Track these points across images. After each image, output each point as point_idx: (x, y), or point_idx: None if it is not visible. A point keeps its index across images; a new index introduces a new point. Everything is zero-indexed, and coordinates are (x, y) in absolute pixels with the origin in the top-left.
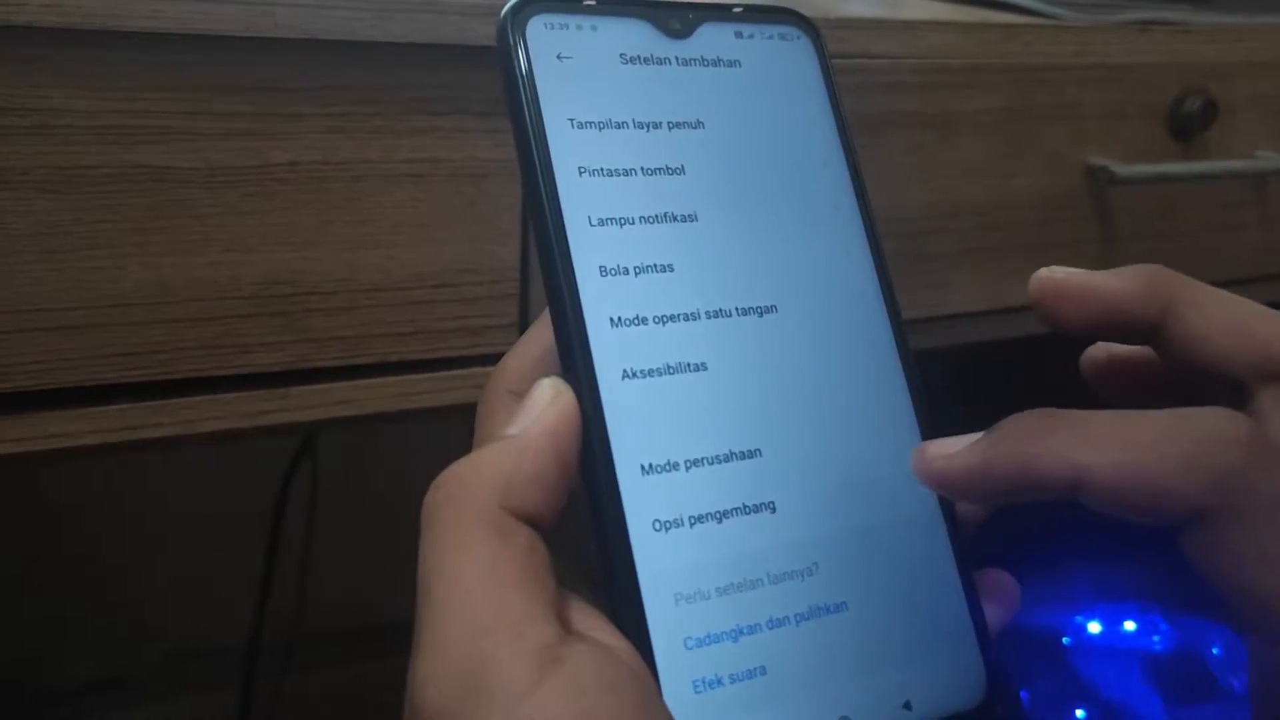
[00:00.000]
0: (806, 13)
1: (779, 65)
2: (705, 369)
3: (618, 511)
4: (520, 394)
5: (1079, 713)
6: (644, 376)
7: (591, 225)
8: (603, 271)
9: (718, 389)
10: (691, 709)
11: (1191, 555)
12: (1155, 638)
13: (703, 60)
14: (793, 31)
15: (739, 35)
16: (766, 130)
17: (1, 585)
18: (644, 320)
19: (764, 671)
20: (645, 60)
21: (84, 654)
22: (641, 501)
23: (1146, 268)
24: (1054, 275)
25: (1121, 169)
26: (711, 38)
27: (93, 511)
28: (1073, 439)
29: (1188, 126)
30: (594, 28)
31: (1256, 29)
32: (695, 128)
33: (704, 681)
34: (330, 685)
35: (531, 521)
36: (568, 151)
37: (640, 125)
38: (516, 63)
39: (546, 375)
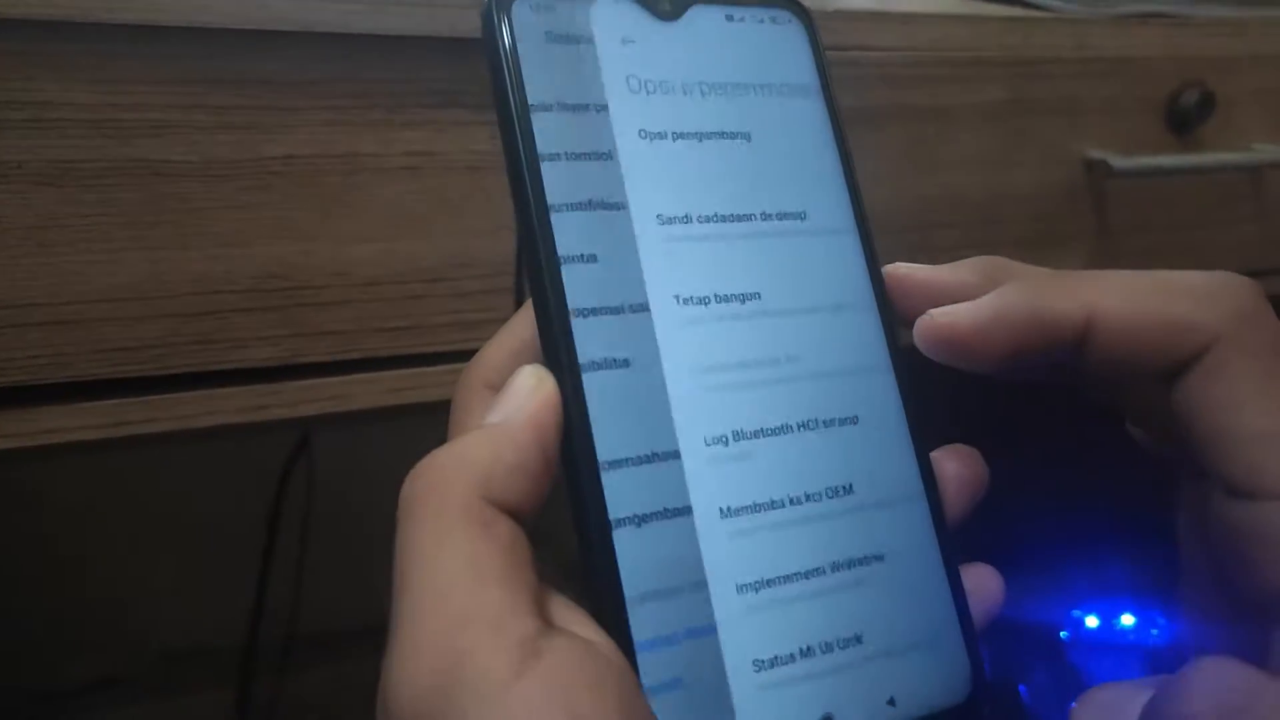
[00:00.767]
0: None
1: (770, 48)
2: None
3: (599, 503)
4: (496, 388)
5: None
6: (626, 366)
7: (574, 209)
8: (585, 258)
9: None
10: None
11: (1183, 400)
12: (1153, 631)
13: (692, 43)
14: (784, 15)
15: (730, 18)
16: (756, 114)
17: None
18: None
19: (747, 668)
20: (633, 43)
21: (80, 654)
22: (623, 493)
23: (981, 258)
24: (897, 269)
25: (1119, 162)
26: (702, 20)
27: (89, 512)
28: (1082, 283)
29: (1185, 119)
30: (582, 9)
31: (1254, 22)
32: (683, 111)
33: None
34: (327, 685)
35: (513, 513)
36: (551, 134)
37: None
38: (501, 43)
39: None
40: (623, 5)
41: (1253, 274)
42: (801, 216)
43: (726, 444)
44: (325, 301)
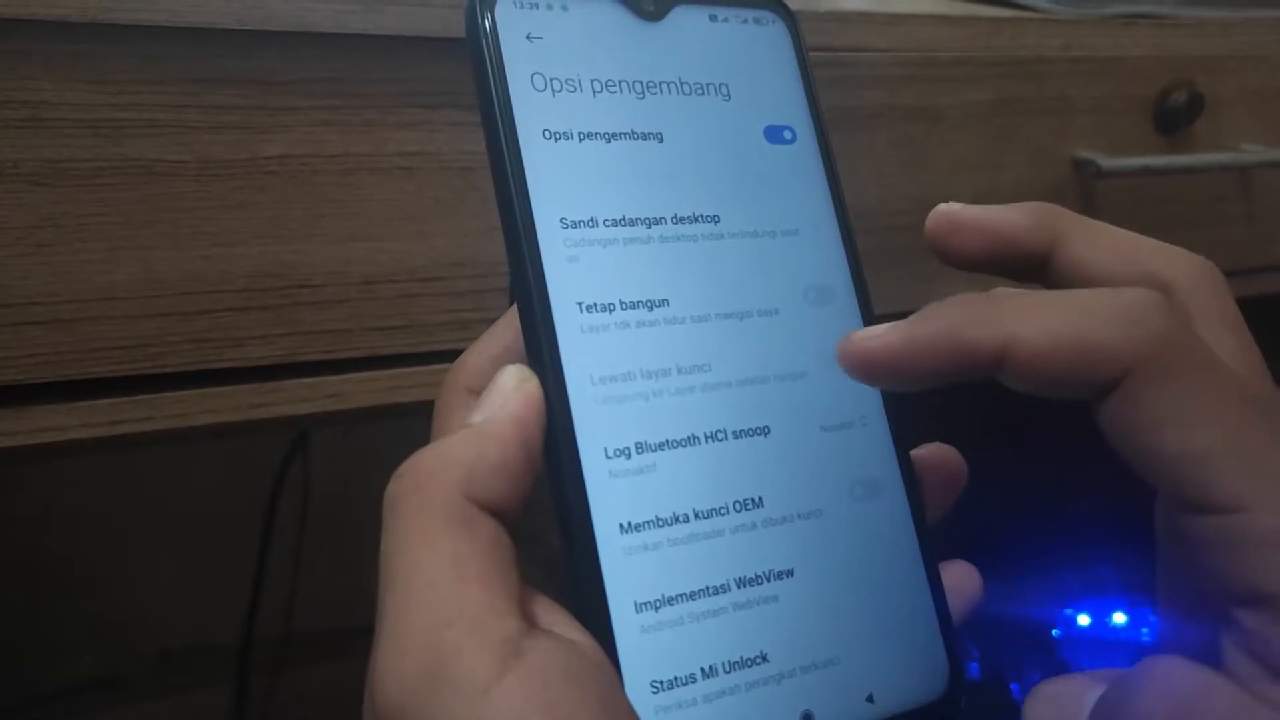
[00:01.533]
0: (794, 6)
1: (753, 49)
2: (676, 356)
3: (583, 504)
4: (477, 392)
5: None
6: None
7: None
8: (570, 260)
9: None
10: (654, 704)
11: (1110, 424)
12: (1144, 630)
13: (676, 43)
14: (768, 15)
15: (713, 19)
16: (739, 115)
17: None
18: (611, 307)
19: (727, 667)
20: (617, 43)
21: (78, 653)
22: (607, 495)
23: (1036, 203)
24: (950, 208)
25: (1107, 162)
26: (685, 20)
27: (86, 511)
28: (1000, 309)
29: (1174, 120)
30: (564, 8)
31: (1242, 22)
32: (666, 113)
33: (668, 677)
34: (324, 683)
35: (496, 512)
36: (537, 145)
37: (610, 109)
38: (484, 43)
39: None
40: (606, 5)
41: (1241, 274)
42: (776, 218)
43: (629, 456)
44: (321, 300)
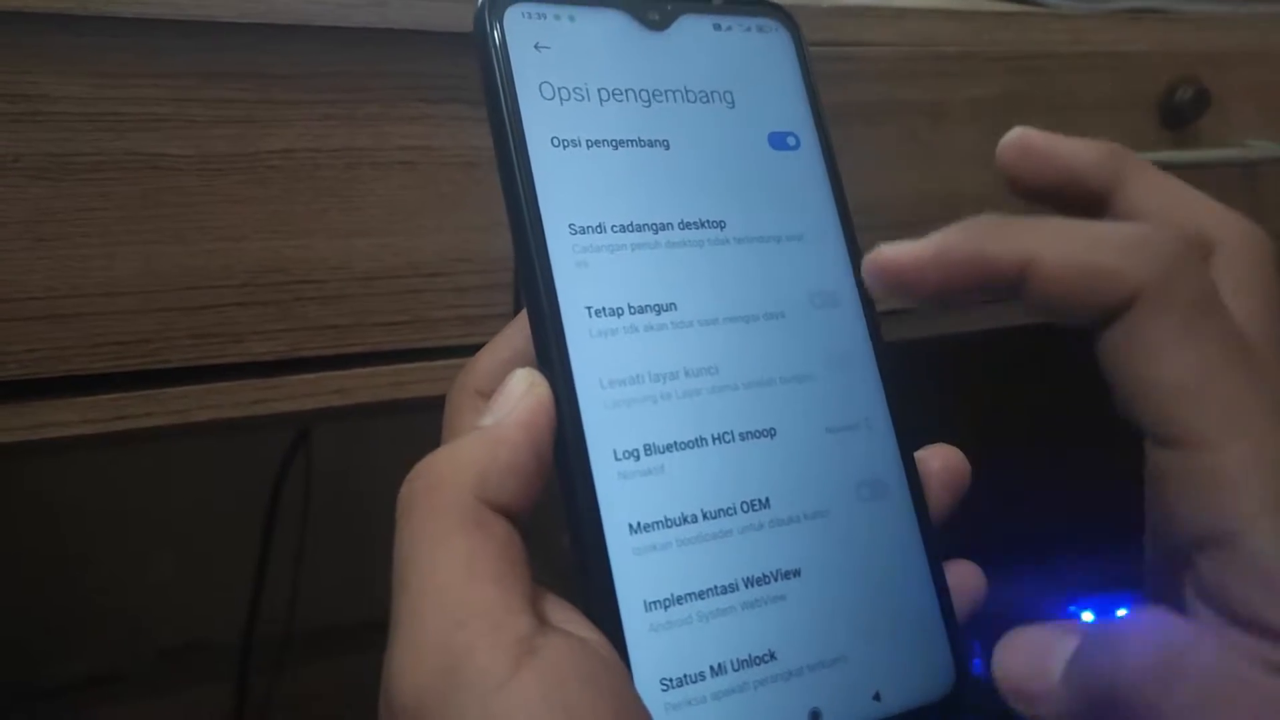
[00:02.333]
0: (799, 0)
1: (757, 57)
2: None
3: (592, 505)
4: (487, 395)
5: None
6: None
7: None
8: (579, 265)
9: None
10: (664, 702)
11: (1105, 351)
12: None
13: (681, 52)
14: (771, 24)
15: (717, 27)
16: (744, 122)
17: None
18: (620, 311)
19: (736, 665)
20: (623, 52)
21: (78, 650)
22: (617, 496)
23: (1106, 142)
24: (1025, 132)
25: None
26: (690, 29)
27: (87, 508)
28: (1022, 229)
29: (1180, 115)
30: (572, 18)
31: (1248, 18)
32: (672, 120)
33: (678, 674)
34: (326, 681)
35: (508, 513)
36: (546, 152)
37: (618, 117)
38: (493, 51)
39: None
40: (612, 14)
41: None
42: (781, 223)
43: (638, 458)
44: (324, 296)
